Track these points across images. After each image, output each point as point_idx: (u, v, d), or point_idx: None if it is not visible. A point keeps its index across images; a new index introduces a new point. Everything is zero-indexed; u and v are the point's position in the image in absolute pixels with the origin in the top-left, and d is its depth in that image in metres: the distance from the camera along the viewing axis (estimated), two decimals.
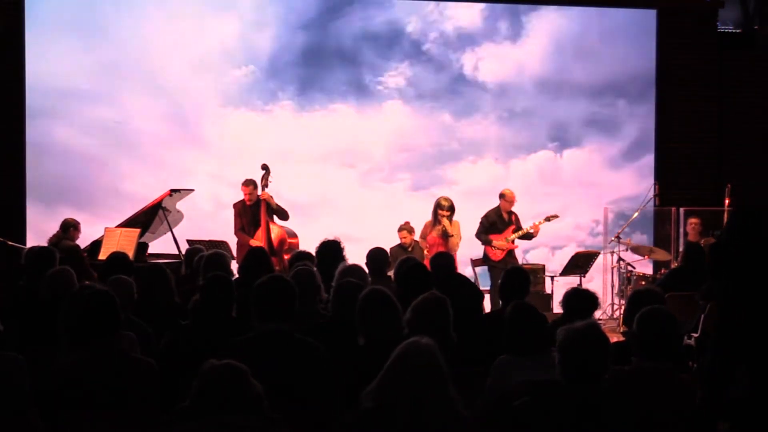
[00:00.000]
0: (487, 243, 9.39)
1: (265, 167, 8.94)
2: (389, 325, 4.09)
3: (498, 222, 9.42)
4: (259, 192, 8.89)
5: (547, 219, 9.50)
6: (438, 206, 9.05)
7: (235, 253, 8.78)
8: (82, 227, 8.88)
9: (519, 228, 9.40)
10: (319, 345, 3.93)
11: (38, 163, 10.33)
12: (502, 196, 9.48)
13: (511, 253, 9.40)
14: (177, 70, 10.58)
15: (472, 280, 8.13)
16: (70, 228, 8.74)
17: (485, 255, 9.48)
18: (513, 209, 9.46)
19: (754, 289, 5.31)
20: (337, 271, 5.31)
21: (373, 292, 4.23)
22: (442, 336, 4.05)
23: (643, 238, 11.07)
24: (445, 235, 8.93)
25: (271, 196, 8.95)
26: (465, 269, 9.35)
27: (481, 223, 9.47)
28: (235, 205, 9.13)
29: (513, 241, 9.38)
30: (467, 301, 5.46)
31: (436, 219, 9.04)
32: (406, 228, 9.20)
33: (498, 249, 9.30)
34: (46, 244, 7.44)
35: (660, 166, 11.55)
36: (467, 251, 9.63)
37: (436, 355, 3.05)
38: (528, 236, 9.44)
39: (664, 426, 3.59)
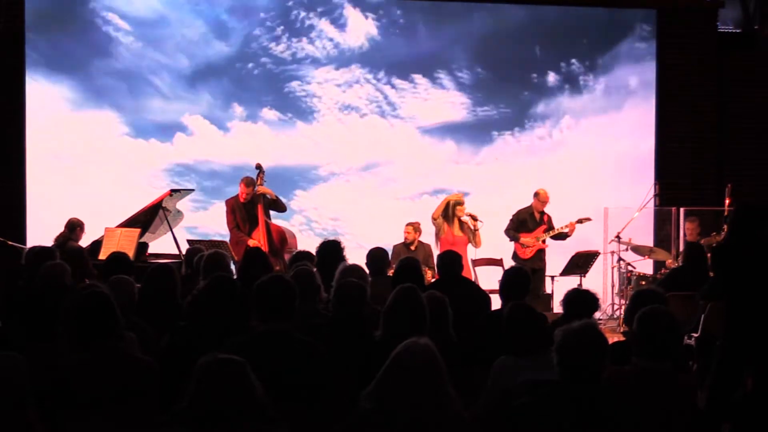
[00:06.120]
0: (514, 239, 9.33)
1: (258, 167, 8.95)
2: (415, 325, 4.05)
3: (528, 220, 9.36)
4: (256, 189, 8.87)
5: (579, 221, 9.42)
6: (456, 204, 8.73)
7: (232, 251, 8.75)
8: (84, 227, 8.88)
9: (551, 228, 9.36)
10: (319, 345, 3.93)
11: (39, 163, 10.32)
12: (536, 195, 9.41)
13: (540, 254, 9.35)
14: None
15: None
16: (76, 228, 8.74)
17: (514, 253, 9.43)
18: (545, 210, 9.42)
19: (760, 288, 5.27)
20: (337, 271, 5.31)
21: (409, 289, 4.23)
22: (441, 336, 4.05)
23: (643, 238, 11.05)
24: (472, 230, 8.73)
25: (269, 190, 8.97)
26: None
27: (511, 220, 9.43)
28: (227, 202, 9.05)
29: (544, 241, 9.34)
30: (468, 302, 5.47)
31: (451, 218, 8.74)
32: (412, 225, 9.17)
33: (526, 246, 9.26)
34: (51, 244, 7.45)
35: (660, 166, 11.54)
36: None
37: (435, 355, 3.04)
38: (562, 236, 9.39)
39: (664, 426, 3.58)
